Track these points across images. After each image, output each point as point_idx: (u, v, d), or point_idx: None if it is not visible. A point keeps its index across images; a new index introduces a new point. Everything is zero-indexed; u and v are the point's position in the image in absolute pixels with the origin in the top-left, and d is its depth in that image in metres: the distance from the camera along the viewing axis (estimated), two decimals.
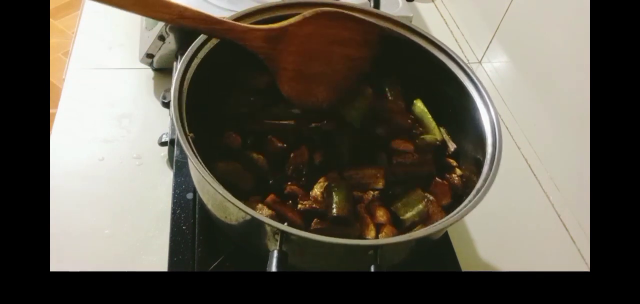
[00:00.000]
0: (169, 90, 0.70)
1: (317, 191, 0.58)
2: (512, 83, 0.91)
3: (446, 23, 1.13)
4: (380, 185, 0.60)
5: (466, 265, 0.65)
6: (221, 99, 0.64)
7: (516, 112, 0.89)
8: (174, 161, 0.69)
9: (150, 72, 0.88)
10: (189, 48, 0.57)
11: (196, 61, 0.57)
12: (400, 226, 0.57)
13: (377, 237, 0.55)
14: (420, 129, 0.67)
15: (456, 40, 1.08)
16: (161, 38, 0.79)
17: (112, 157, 0.75)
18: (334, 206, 0.55)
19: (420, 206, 0.58)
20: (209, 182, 0.47)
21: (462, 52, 1.05)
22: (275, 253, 0.45)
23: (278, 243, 0.45)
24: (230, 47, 0.60)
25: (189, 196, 0.65)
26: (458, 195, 0.61)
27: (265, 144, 0.61)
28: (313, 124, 0.63)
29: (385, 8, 0.78)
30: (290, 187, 0.58)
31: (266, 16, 0.64)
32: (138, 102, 0.83)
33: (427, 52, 0.65)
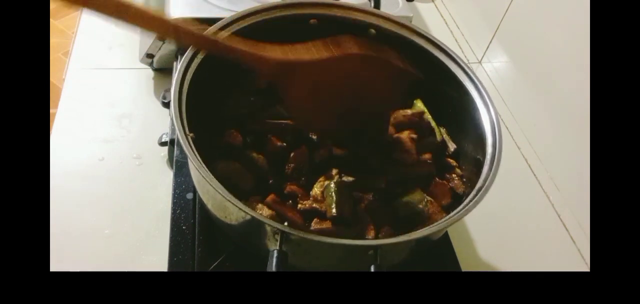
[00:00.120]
0: (169, 90, 0.70)
1: (317, 190, 0.58)
2: (512, 83, 0.91)
3: (446, 23, 1.13)
4: (380, 185, 0.60)
5: (466, 265, 0.65)
6: (221, 99, 0.64)
7: (516, 112, 0.89)
8: (174, 161, 0.69)
9: (150, 72, 0.88)
10: (189, 48, 0.57)
11: (196, 61, 0.57)
12: (401, 226, 0.57)
13: (377, 237, 0.55)
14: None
15: (456, 40, 1.08)
16: (161, 38, 0.79)
17: (112, 157, 0.75)
18: (334, 206, 0.55)
19: (420, 206, 0.58)
20: (209, 182, 0.47)
21: (462, 52, 1.05)
22: (275, 253, 0.45)
23: (278, 243, 0.45)
24: None
25: (189, 196, 0.65)
26: (458, 195, 0.61)
27: (265, 143, 0.61)
28: None
29: (385, 8, 0.78)
30: (290, 187, 0.58)
31: (266, 16, 0.64)
32: (138, 102, 0.83)
33: (427, 52, 0.65)
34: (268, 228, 0.47)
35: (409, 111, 0.66)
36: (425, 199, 0.59)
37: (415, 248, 0.54)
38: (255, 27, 0.63)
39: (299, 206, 0.56)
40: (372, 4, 0.76)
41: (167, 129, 0.75)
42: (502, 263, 0.71)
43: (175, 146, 0.70)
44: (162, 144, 0.74)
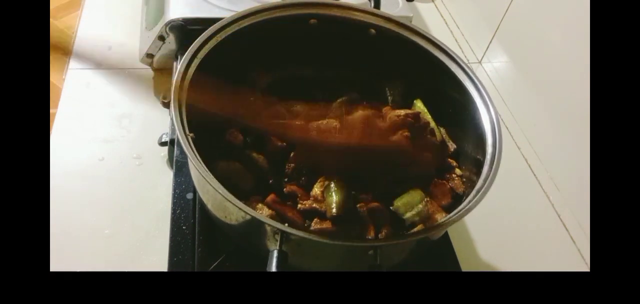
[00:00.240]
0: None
1: (317, 190, 0.58)
2: (512, 83, 0.91)
3: (446, 23, 1.13)
4: (380, 185, 0.60)
5: (466, 265, 0.65)
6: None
7: (516, 112, 0.89)
8: (174, 161, 0.69)
9: (150, 72, 0.88)
10: (189, 48, 0.57)
11: (196, 61, 0.57)
12: (400, 226, 0.57)
13: (377, 237, 0.55)
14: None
15: (456, 40, 1.08)
16: (161, 38, 0.79)
17: (112, 157, 0.75)
18: (334, 205, 0.55)
19: (420, 206, 0.58)
20: (209, 182, 0.47)
21: (462, 52, 1.05)
22: (275, 253, 0.45)
23: (278, 243, 0.45)
24: (230, 48, 0.60)
25: (189, 196, 0.65)
26: (458, 195, 0.61)
27: (265, 143, 0.61)
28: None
29: (385, 8, 0.78)
30: (290, 186, 0.58)
31: (266, 16, 0.64)
32: (138, 102, 0.83)
33: (427, 52, 0.65)
34: (268, 228, 0.47)
35: (402, 112, 0.66)
36: (425, 199, 0.59)
37: (415, 248, 0.54)
38: (255, 27, 0.63)
39: (299, 206, 0.56)
40: (372, 4, 0.76)
41: (167, 129, 0.75)
42: (502, 263, 0.71)
43: (175, 146, 0.70)
44: (162, 144, 0.74)
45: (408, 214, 0.58)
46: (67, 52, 0.92)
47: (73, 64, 0.88)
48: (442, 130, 0.67)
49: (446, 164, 0.65)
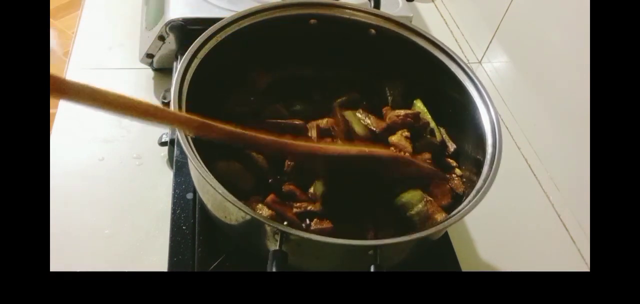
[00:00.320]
0: (169, 90, 0.70)
1: (312, 189, 0.58)
2: (512, 83, 0.91)
3: (446, 23, 1.13)
4: (380, 185, 0.60)
5: (466, 265, 0.65)
6: (221, 99, 0.64)
7: (516, 112, 0.89)
8: (174, 161, 0.69)
9: (150, 72, 0.88)
10: (189, 48, 0.57)
11: (196, 61, 0.57)
12: (401, 226, 0.57)
13: (377, 237, 0.55)
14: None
15: (456, 40, 1.08)
16: (161, 38, 0.79)
17: (112, 157, 0.75)
18: (333, 205, 0.55)
19: (420, 206, 0.58)
20: (209, 182, 0.47)
21: (462, 52, 1.05)
22: (275, 253, 0.45)
23: (278, 243, 0.45)
24: (230, 48, 0.60)
25: (189, 196, 0.65)
26: (458, 195, 0.61)
27: None
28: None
29: (385, 8, 0.78)
30: (288, 186, 0.58)
31: (266, 16, 0.64)
32: None
33: (427, 52, 0.65)
34: (268, 228, 0.47)
35: (402, 112, 0.66)
36: (425, 199, 0.59)
37: (415, 248, 0.54)
38: (255, 27, 0.63)
39: (294, 209, 0.56)
40: (372, 4, 0.76)
41: (167, 129, 0.75)
42: (502, 263, 0.71)
43: (175, 146, 0.70)
44: (162, 144, 0.74)
45: (408, 214, 0.58)
46: (67, 52, 0.91)
47: (73, 64, 0.88)
48: (442, 130, 0.67)
49: (446, 164, 0.65)
